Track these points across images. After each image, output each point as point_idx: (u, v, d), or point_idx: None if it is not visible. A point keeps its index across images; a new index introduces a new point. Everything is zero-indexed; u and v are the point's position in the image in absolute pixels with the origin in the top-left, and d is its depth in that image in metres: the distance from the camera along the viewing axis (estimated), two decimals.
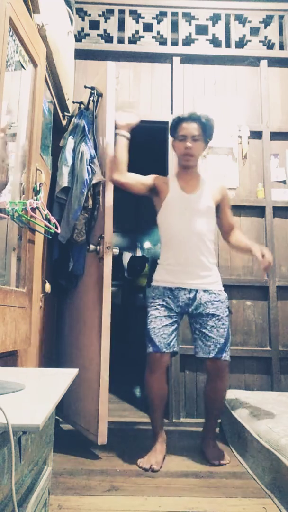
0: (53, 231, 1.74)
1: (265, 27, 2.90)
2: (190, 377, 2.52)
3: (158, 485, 1.62)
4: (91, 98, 2.21)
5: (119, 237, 6.14)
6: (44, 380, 1.11)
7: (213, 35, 2.87)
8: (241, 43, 2.90)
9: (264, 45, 2.89)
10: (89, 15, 2.87)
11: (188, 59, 2.84)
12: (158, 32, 2.88)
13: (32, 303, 1.64)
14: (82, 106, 2.34)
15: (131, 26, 2.88)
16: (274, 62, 2.85)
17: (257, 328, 2.59)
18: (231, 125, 2.75)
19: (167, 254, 1.96)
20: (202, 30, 2.89)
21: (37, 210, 1.61)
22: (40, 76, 1.69)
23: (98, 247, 1.97)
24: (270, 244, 2.63)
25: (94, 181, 2.04)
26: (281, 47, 2.89)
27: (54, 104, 2.24)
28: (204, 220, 1.93)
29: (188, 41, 2.88)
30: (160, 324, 1.86)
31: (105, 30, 2.86)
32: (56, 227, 1.74)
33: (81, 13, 2.87)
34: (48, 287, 2.08)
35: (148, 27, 2.89)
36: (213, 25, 2.88)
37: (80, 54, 2.75)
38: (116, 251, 1.97)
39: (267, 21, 2.90)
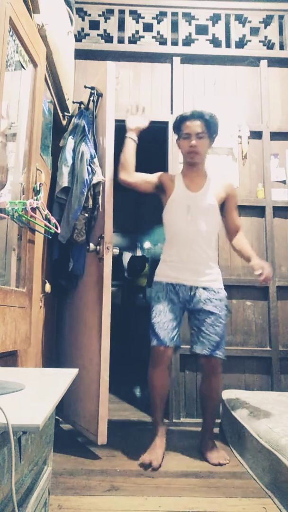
0: (53, 231, 1.74)
1: (265, 27, 2.90)
2: (190, 377, 2.52)
3: (158, 485, 1.62)
4: (91, 98, 2.21)
5: (119, 237, 6.14)
6: (44, 380, 1.11)
7: (213, 35, 2.87)
8: (241, 43, 2.89)
9: (264, 45, 2.89)
10: (89, 15, 2.87)
11: (188, 59, 2.84)
12: (158, 32, 2.88)
13: (32, 303, 1.64)
14: (82, 106, 2.34)
15: (131, 26, 2.88)
16: (274, 62, 2.85)
17: (257, 328, 2.59)
18: (231, 125, 2.75)
19: (170, 251, 1.99)
20: (202, 30, 2.88)
21: (37, 210, 1.61)
22: (40, 76, 1.69)
23: (98, 247, 1.98)
24: (270, 244, 2.63)
25: (94, 181, 2.04)
26: (281, 47, 2.89)
27: (54, 104, 2.24)
28: (207, 218, 1.94)
29: (188, 41, 2.88)
30: (164, 318, 1.89)
31: (105, 30, 2.86)
32: (56, 227, 1.74)
33: (81, 13, 2.87)
34: (48, 287, 2.08)
35: (148, 27, 2.89)
36: (213, 25, 2.88)
37: (80, 54, 2.75)
38: (116, 251, 1.97)
39: (267, 21, 2.90)
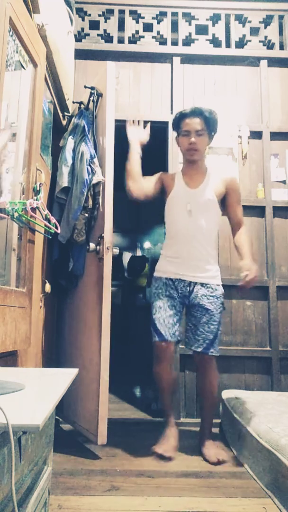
0: (53, 231, 1.75)
1: (265, 27, 2.90)
2: (190, 377, 2.52)
3: (158, 485, 1.62)
4: (91, 98, 2.21)
5: (119, 237, 6.14)
6: (44, 380, 1.11)
7: (213, 35, 2.87)
8: (241, 43, 2.89)
9: (264, 45, 2.89)
10: (89, 15, 2.87)
11: (188, 59, 2.84)
12: (158, 32, 2.88)
13: (32, 303, 1.64)
14: (82, 106, 2.34)
15: (131, 26, 2.88)
16: (274, 62, 2.85)
17: (257, 328, 2.59)
18: (231, 125, 2.75)
19: (170, 247, 2.01)
20: (202, 30, 2.89)
21: (37, 210, 1.61)
22: (40, 76, 1.69)
23: (98, 247, 1.98)
24: (270, 244, 2.63)
25: (94, 181, 2.04)
26: (281, 47, 2.89)
27: (54, 104, 2.24)
28: (207, 214, 1.95)
29: (188, 41, 2.88)
30: (164, 314, 1.92)
31: (105, 30, 2.86)
32: (56, 227, 1.74)
33: (81, 13, 2.87)
34: (48, 287, 2.08)
35: (148, 27, 2.89)
36: (213, 25, 2.88)
37: (80, 54, 2.75)
38: (116, 251, 1.98)
39: (267, 21, 2.90)
